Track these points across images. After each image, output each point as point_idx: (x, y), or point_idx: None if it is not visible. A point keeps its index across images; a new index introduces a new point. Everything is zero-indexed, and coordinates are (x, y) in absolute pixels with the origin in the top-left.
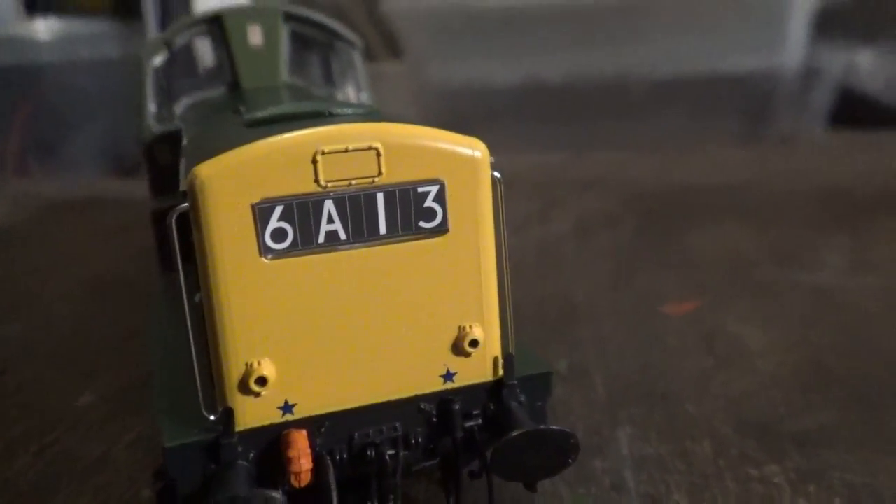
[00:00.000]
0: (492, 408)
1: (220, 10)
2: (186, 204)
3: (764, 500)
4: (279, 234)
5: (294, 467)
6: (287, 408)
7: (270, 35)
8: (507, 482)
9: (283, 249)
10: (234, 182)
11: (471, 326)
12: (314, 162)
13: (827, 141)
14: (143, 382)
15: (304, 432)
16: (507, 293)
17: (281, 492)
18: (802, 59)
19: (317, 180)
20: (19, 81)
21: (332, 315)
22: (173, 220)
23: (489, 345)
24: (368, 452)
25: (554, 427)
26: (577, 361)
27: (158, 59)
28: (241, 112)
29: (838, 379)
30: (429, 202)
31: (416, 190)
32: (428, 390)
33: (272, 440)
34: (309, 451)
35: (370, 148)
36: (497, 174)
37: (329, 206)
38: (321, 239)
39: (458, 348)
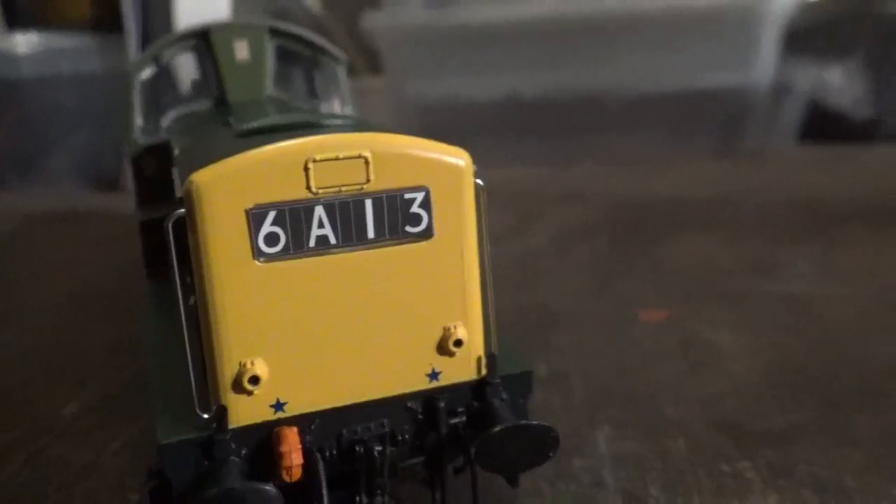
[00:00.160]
0: (475, 405)
1: (208, 25)
2: (182, 210)
3: (736, 493)
4: (272, 239)
5: (286, 462)
6: (279, 406)
7: (257, 50)
8: (491, 480)
9: (276, 253)
10: (229, 188)
11: (455, 327)
12: (306, 169)
13: (797, 154)
14: (129, 392)
15: (295, 429)
16: (490, 295)
17: (272, 485)
18: (773, 75)
19: (308, 187)
20: None
21: (322, 316)
22: (170, 226)
23: (473, 345)
24: (357, 449)
25: (535, 422)
26: (556, 366)
27: (146, 74)
28: (230, 124)
29: (807, 381)
30: (415, 208)
31: (403, 196)
32: (414, 389)
33: (264, 437)
34: (300, 446)
35: (359, 156)
36: (480, 182)
37: (320, 211)
38: (312, 243)
39: (443, 348)
